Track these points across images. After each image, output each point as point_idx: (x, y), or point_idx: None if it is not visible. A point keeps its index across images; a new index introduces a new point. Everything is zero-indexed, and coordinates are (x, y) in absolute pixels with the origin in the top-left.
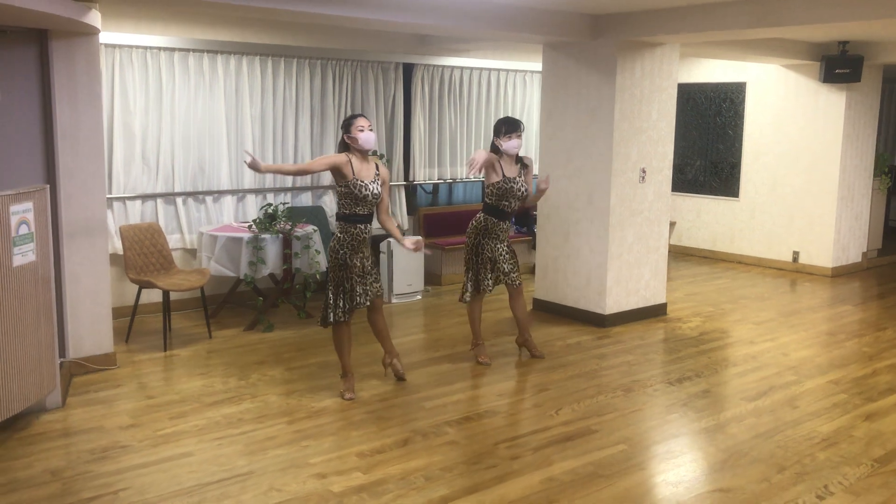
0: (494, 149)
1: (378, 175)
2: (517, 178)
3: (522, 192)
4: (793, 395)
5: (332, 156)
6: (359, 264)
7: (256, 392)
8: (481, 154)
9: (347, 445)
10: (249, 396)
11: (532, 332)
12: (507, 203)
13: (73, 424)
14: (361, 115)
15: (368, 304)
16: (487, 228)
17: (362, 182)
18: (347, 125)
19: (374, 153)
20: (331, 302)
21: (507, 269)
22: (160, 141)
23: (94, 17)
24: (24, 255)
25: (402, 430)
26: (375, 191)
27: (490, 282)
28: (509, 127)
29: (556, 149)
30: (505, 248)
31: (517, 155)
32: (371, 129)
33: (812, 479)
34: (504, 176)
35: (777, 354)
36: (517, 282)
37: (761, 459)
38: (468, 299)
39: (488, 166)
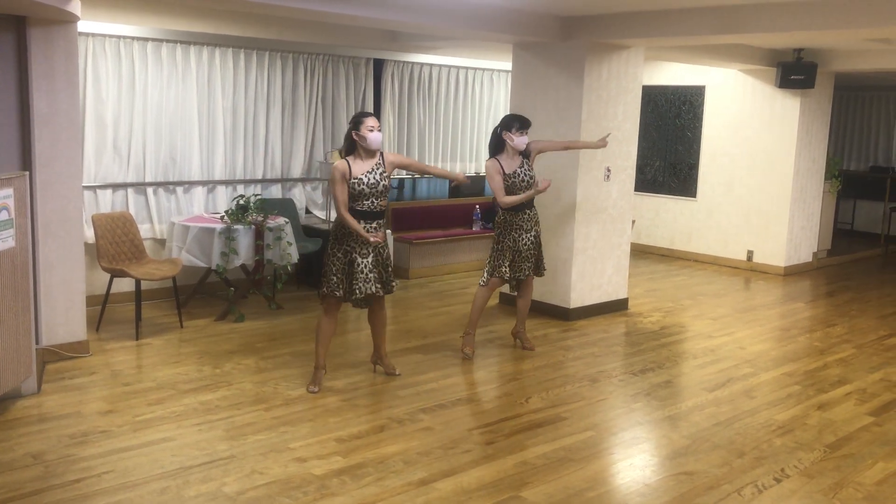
0: (499, 141)
1: (380, 164)
2: (518, 171)
3: (527, 181)
4: (750, 386)
5: (336, 177)
6: (341, 257)
7: (231, 380)
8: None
9: (325, 431)
10: (225, 384)
11: (501, 325)
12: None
13: (50, 410)
14: (371, 115)
15: (340, 296)
16: (507, 221)
17: (357, 178)
18: (357, 122)
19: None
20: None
21: (523, 260)
22: (132, 130)
23: (75, 5)
24: (3, 241)
25: (377, 416)
26: (372, 181)
27: (508, 270)
28: (522, 123)
29: None
30: (531, 238)
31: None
32: (380, 130)
33: (770, 463)
34: (505, 174)
35: (734, 348)
36: (524, 274)
37: (722, 445)
38: (482, 283)
39: (496, 176)
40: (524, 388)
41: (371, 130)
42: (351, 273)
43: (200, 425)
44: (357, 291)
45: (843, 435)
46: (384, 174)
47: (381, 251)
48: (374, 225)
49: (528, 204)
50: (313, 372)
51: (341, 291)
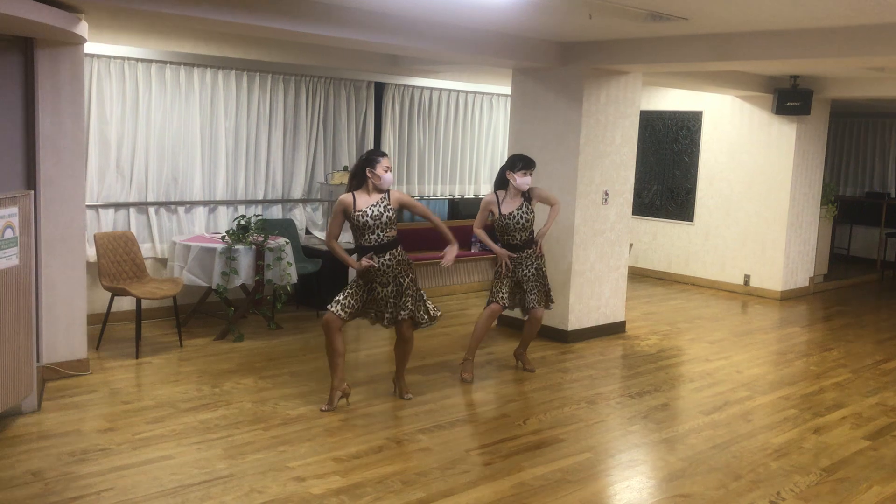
0: (503, 180)
1: (384, 198)
2: (514, 213)
3: (523, 224)
4: (746, 410)
5: (337, 210)
6: (362, 285)
7: (231, 399)
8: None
9: (324, 451)
10: (224, 403)
11: (500, 346)
12: (510, 237)
13: (50, 428)
14: (386, 155)
15: (339, 315)
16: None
17: (360, 211)
18: (373, 161)
19: None
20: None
21: (525, 291)
22: (135, 151)
23: (82, 28)
24: (7, 259)
25: (376, 437)
26: (376, 212)
27: (506, 298)
28: (525, 164)
29: None
30: (531, 273)
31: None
32: (391, 170)
33: (766, 486)
34: (501, 214)
35: (731, 371)
36: (531, 304)
37: (718, 468)
38: (488, 305)
39: (486, 210)
40: (522, 410)
41: (386, 171)
42: (372, 300)
43: (200, 444)
44: (378, 317)
45: (839, 459)
46: (388, 206)
47: (401, 281)
48: (386, 257)
49: (522, 245)
50: (331, 391)
51: (344, 313)
